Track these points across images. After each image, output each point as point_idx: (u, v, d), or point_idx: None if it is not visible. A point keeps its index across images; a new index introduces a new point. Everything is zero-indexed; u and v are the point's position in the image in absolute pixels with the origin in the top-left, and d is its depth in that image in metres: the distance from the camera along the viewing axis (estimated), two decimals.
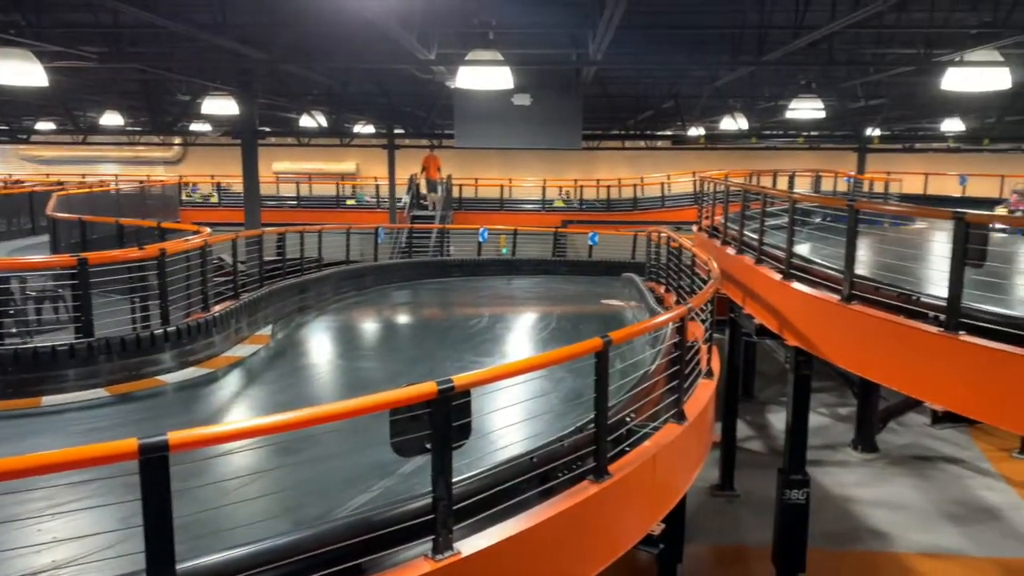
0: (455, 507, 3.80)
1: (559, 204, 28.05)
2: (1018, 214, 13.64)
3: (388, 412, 3.66)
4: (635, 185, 28.40)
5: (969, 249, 6.28)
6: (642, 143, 28.14)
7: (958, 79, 9.55)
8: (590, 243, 17.80)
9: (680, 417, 6.15)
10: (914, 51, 10.82)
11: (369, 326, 12.64)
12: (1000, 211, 13.79)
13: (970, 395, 6.30)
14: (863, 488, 12.85)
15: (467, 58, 9.33)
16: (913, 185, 23.64)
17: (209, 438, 3.26)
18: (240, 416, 7.20)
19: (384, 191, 25.78)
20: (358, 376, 8.70)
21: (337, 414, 3.55)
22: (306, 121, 21.17)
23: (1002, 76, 9.37)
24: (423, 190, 24.25)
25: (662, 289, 12.30)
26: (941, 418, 15.22)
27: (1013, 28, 8.66)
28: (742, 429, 14.59)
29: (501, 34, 9.47)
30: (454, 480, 3.80)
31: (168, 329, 7.99)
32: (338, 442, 5.36)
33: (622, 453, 5.33)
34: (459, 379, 3.77)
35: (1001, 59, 9.34)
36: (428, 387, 3.65)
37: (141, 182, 23.49)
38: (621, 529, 5.19)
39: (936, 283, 6.80)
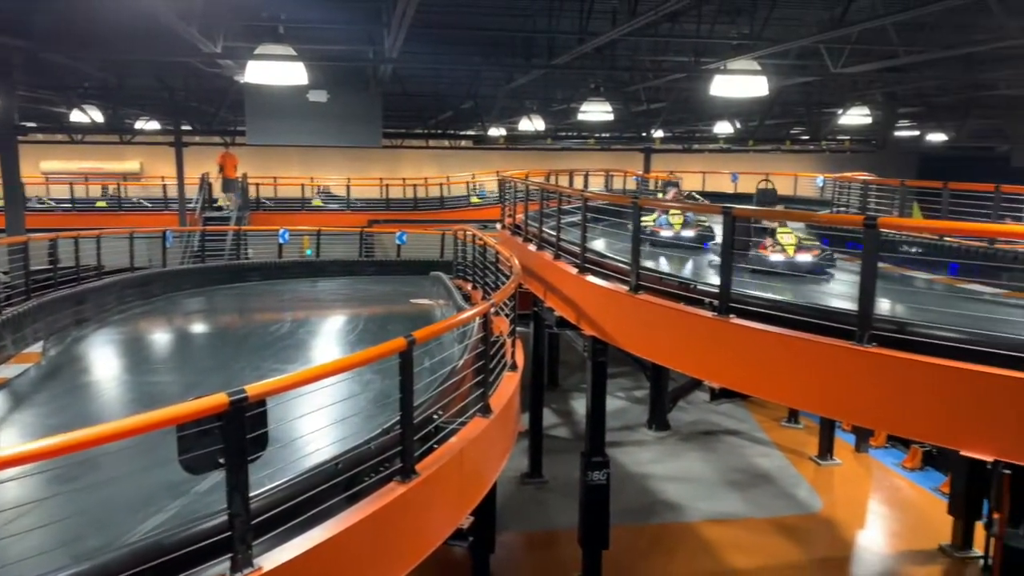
0: (254, 521, 3.65)
1: (317, 203, 27.50)
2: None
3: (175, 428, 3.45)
4: (441, 184, 28.60)
5: (736, 240, 6.98)
6: (446, 142, 28.42)
7: (723, 86, 10.54)
8: (398, 242, 17.74)
9: (486, 411, 6.29)
10: (686, 59, 11.79)
11: (158, 337, 11.78)
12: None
13: (740, 372, 6.97)
14: (658, 464, 13.83)
15: (256, 52, 8.95)
16: (693, 183, 25.68)
17: None
18: (2, 445, 6.44)
19: (172, 191, 24.07)
20: (146, 391, 8.07)
21: (116, 434, 3.27)
22: (78, 116, 19.28)
23: (760, 84, 10.44)
24: (217, 190, 22.92)
25: (469, 286, 12.49)
26: (718, 395, 16.70)
27: (766, 41, 9.69)
28: (549, 417, 15.19)
29: (293, 29, 9.18)
30: (252, 494, 3.65)
31: None
32: (124, 464, 4.94)
33: (430, 451, 5.36)
34: (252, 388, 3.61)
35: (758, 68, 10.41)
36: (218, 399, 3.47)
37: None
38: (430, 527, 5.22)
39: (711, 272, 7.46)
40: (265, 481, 4.07)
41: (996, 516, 10.29)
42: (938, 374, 5.21)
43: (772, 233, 9.40)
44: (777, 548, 10.99)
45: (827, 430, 14.19)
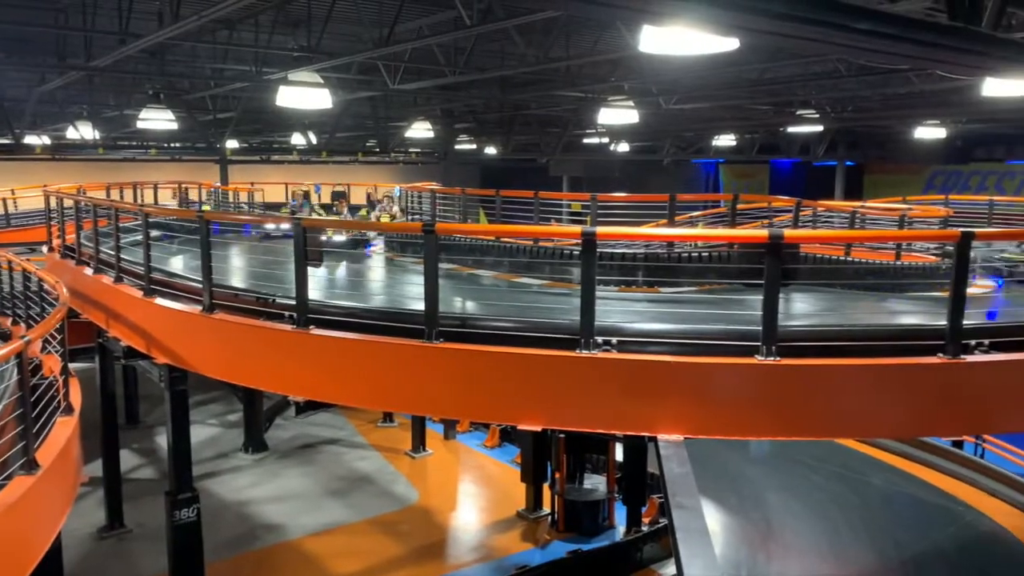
0: None
1: None
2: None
3: None
4: None
5: (308, 251, 6.98)
6: None
7: (288, 97, 10.49)
8: None
9: (31, 466, 5.42)
10: (247, 68, 11.48)
11: None
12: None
13: (323, 382, 7.01)
14: (256, 488, 13.30)
15: None
16: (276, 194, 25.26)
17: None
18: None
19: None
20: None
21: None
22: None
23: (323, 96, 10.61)
24: None
25: (9, 322, 10.66)
26: (304, 407, 16.59)
27: (324, 54, 9.88)
28: (129, 459, 13.70)
29: None
30: None
31: None
32: None
33: None
34: None
35: (321, 81, 10.57)
36: None
37: None
38: None
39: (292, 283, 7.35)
40: None
41: (557, 476, 11.99)
42: (491, 360, 5.83)
43: None
44: (379, 547, 11.32)
45: (418, 424, 15.04)
